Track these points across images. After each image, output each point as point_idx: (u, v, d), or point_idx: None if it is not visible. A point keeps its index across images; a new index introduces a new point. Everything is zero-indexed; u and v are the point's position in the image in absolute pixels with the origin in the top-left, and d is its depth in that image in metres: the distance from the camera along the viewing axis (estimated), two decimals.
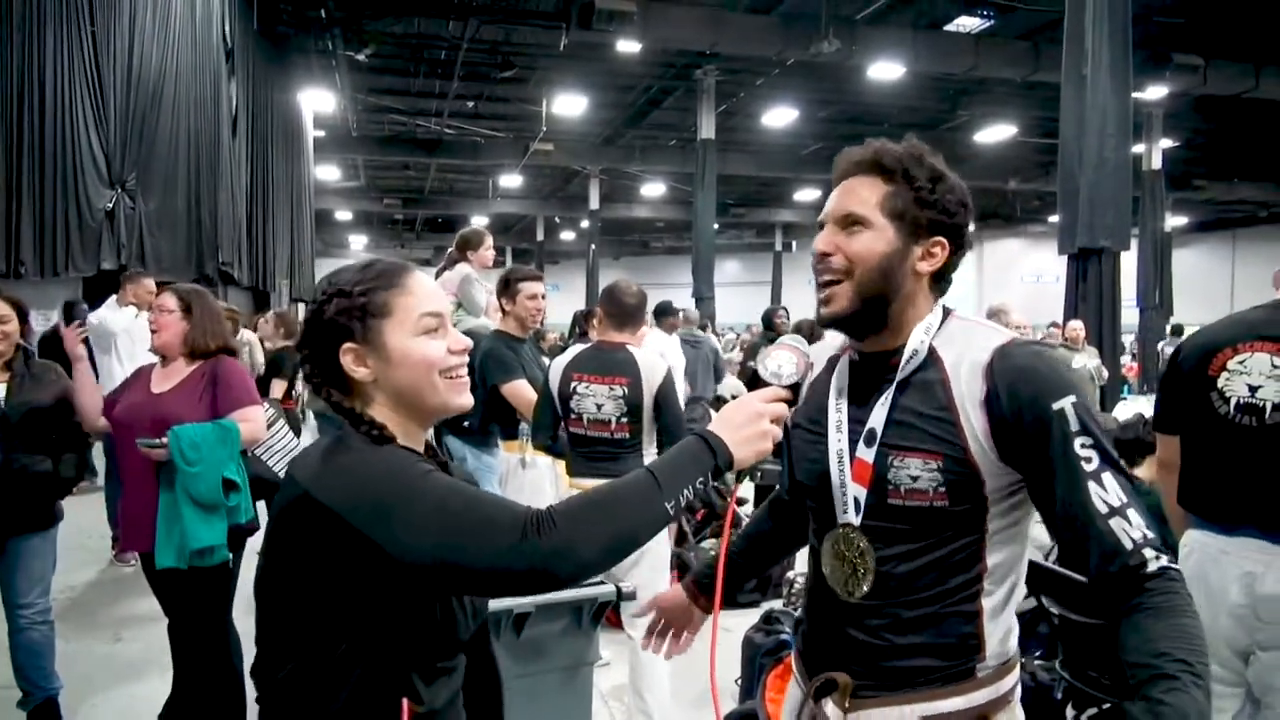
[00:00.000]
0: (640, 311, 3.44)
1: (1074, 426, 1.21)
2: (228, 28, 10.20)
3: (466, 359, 1.28)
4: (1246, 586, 2.10)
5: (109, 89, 7.26)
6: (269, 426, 3.16)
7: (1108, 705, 3.08)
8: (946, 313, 1.37)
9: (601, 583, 2.59)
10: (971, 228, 1.39)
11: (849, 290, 1.32)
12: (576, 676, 2.55)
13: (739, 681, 3.70)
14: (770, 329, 7.58)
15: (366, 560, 1.09)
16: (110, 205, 7.24)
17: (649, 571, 3.23)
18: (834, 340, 1.49)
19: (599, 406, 3.27)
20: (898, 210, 1.31)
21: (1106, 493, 1.19)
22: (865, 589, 1.32)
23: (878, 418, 1.32)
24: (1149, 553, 1.16)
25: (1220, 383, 2.17)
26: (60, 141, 6.70)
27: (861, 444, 1.33)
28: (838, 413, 1.38)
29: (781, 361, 1.32)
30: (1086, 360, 7.99)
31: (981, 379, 1.25)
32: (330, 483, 1.13)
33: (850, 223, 1.33)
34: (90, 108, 7.05)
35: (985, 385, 1.25)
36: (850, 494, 1.33)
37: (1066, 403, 1.21)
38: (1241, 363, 2.15)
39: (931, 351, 1.33)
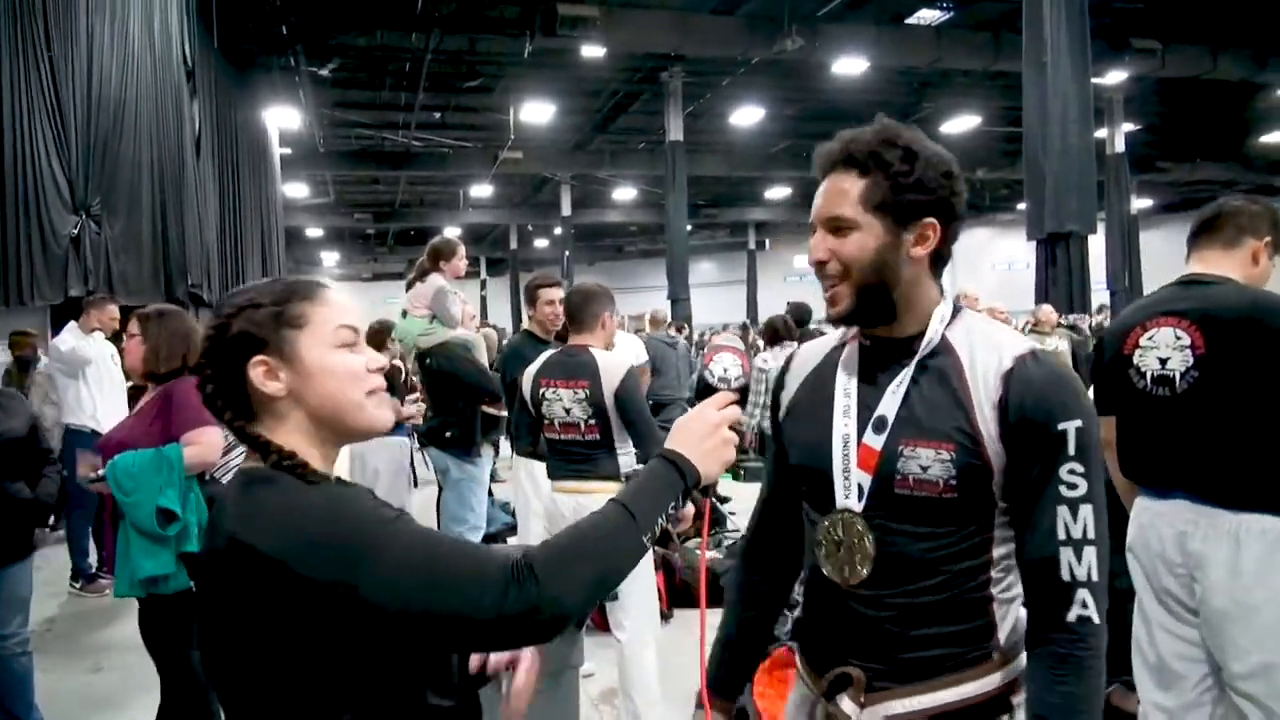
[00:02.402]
0: (587, 308, 3.39)
1: (1071, 450, 1.22)
2: (188, 47, 10.08)
3: (382, 379, 1.21)
4: (1180, 546, 2.26)
5: (69, 114, 7.15)
6: (237, 447, 3.01)
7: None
8: (958, 307, 1.36)
9: None
10: (963, 193, 1.34)
11: (847, 290, 1.31)
12: (562, 679, 2.54)
13: None
14: (801, 324, 7.30)
15: (322, 611, 0.99)
16: (75, 231, 7.13)
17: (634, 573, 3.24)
18: (835, 332, 1.47)
19: (567, 410, 3.28)
20: (878, 202, 1.28)
21: (1074, 523, 1.21)
22: (864, 574, 1.30)
23: (889, 405, 1.30)
24: (1079, 594, 1.21)
25: (1135, 359, 2.35)
26: (21, 169, 6.60)
27: (870, 430, 1.30)
28: (846, 397, 1.35)
29: (727, 365, 1.32)
30: (1058, 342, 8.08)
31: (999, 382, 1.25)
32: (265, 526, 1.02)
33: (837, 226, 1.31)
34: (51, 134, 6.94)
35: (1001, 389, 1.24)
36: (854, 480, 1.31)
37: (1071, 426, 1.22)
38: (1150, 338, 2.32)
39: (945, 341, 1.31)
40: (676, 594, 4.87)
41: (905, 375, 1.30)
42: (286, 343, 1.13)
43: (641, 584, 3.29)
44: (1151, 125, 20.14)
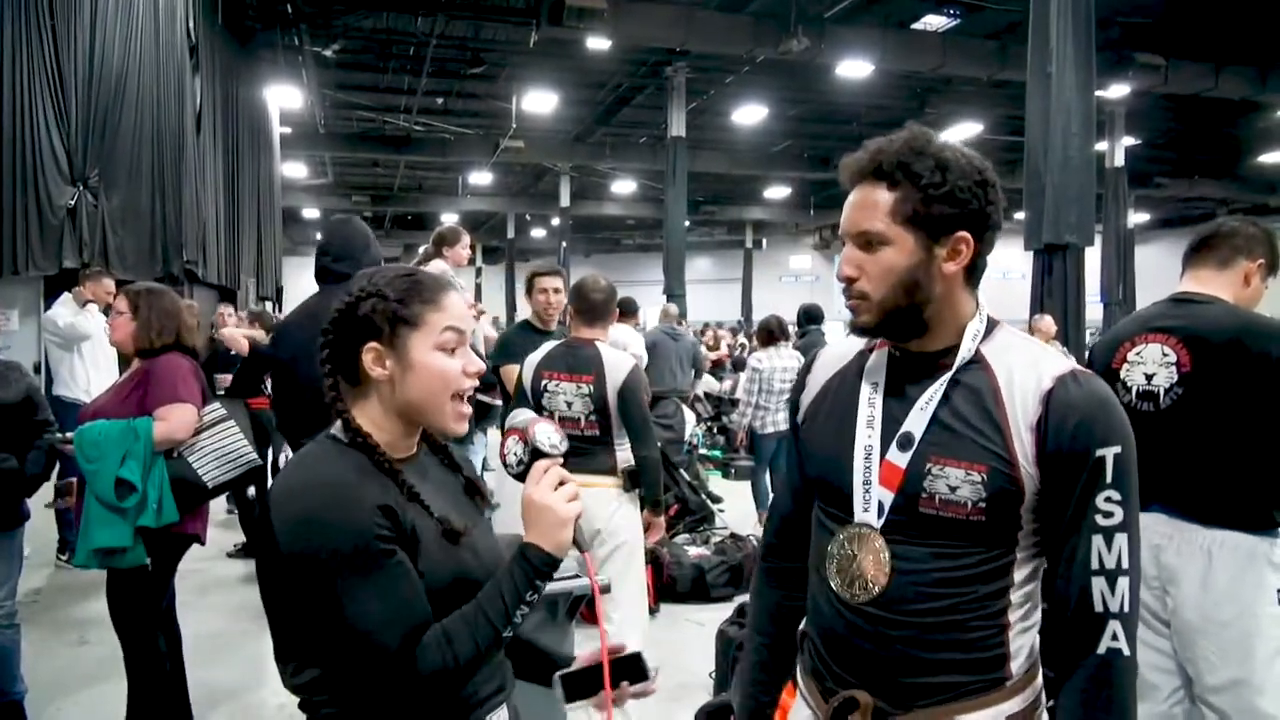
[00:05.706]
0: (607, 306, 3.43)
1: (1109, 478, 1.18)
2: (191, 22, 10.03)
3: (477, 382, 1.33)
4: (1154, 559, 2.29)
5: (70, 85, 7.12)
6: (211, 428, 3.02)
7: None
8: (993, 322, 1.31)
9: (575, 576, 2.59)
10: (999, 201, 1.30)
11: (872, 307, 1.27)
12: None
13: (713, 675, 3.72)
14: (814, 321, 7.48)
15: (297, 587, 1.19)
16: (72, 203, 7.10)
17: (624, 564, 3.27)
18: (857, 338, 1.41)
19: (569, 404, 3.27)
20: (909, 215, 1.23)
21: (1109, 552, 1.19)
22: (875, 592, 1.25)
23: (916, 422, 1.25)
24: (1110, 627, 1.18)
25: (1122, 374, 2.38)
26: (20, 138, 6.57)
27: (895, 447, 1.25)
28: (870, 408, 1.30)
29: (549, 432, 1.41)
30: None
31: (1037, 403, 1.20)
32: (285, 505, 1.20)
33: (868, 241, 1.26)
34: (51, 104, 6.91)
35: (1039, 410, 1.20)
36: (875, 496, 1.26)
37: (1110, 452, 1.18)
38: (1138, 354, 2.36)
39: (980, 357, 1.26)
40: (663, 590, 4.88)
41: (935, 392, 1.25)
42: (399, 337, 1.27)
43: (631, 580, 3.31)
44: (1152, 140, 20.20)
